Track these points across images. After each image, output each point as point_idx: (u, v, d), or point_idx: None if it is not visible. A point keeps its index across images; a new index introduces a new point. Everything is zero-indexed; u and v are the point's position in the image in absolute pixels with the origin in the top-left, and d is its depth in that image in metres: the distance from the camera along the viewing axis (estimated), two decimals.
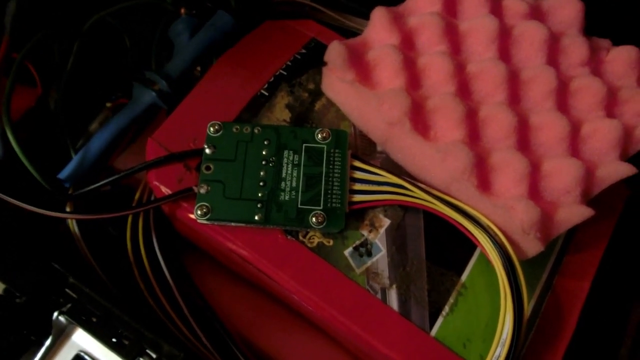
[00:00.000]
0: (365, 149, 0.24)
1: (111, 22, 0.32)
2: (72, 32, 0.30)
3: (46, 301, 0.26)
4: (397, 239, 0.22)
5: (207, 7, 0.31)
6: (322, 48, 0.26)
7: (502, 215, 0.20)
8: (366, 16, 0.29)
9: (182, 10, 0.29)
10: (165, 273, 0.24)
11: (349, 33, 0.28)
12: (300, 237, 0.22)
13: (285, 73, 0.26)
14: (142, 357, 0.22)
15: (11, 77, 0.26)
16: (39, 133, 0.29)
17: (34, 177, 0.26)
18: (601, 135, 0.21)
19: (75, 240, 0.25)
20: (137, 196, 0.26)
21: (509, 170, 0.21)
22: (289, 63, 0.26)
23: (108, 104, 0.31)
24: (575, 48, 0.24)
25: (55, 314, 0.25)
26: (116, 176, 0.24)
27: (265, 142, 0.23)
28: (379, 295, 0.21)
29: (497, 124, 0.21)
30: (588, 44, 0.24)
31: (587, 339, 0.22)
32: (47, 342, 0.25)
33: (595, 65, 0.24)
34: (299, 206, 0.22)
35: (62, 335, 0.25)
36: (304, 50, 0.26)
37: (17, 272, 0.25)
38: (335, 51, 0.22)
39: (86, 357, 0.25)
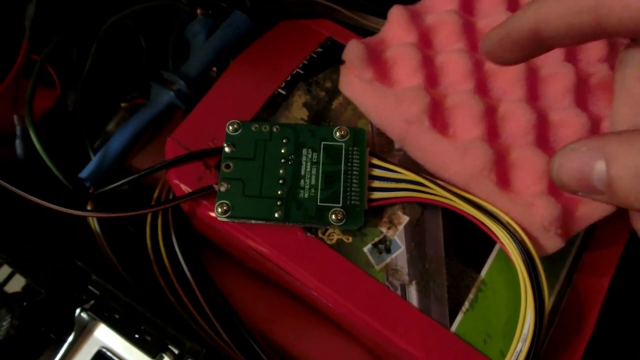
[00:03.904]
0: (383, 146, 0.24)
1: (127, 24, 0.32)
2: (90, 34, 0.30)
3: (68, 298, 0.26)
4: (416, 236, 0.22)
5: (222, 8, 0.31)
6: (338, 47, 0.26)
7: (522, 212, 0.20)
8: (381, 15, 0.30)
9: (199, 11, 0.29)
10: (185, 270, 0.25)
11: (364, 32, 0.28)
12: (320, 234, 0.22)
13: (302, 72, 0.26)
14: (164, 353, 0.23)
15: (33, 79, 0.26)
16: (58, 133, 0.30)
17: (53, 176, 0.26)
18: None
19: (96, 239, 0.26)
20: (155, 195, 0.27)
21: (528, 167, 0.21)
22: (305, 62, 0.26)
23: (123, 104, 0.31)
24: (594, 44, 0.24)
25: (78, 310, 0.25)
26: (136, 175, 0.24)
27: (284, 141, 0.23)
28: (398, 292, 0.21)
29: (516, 121, 0.22)
30: (607, 39, 0.24)
31: (607, 336, 0.22)
32: (70, 339, 0.25)
33: (614, 62, 0.24)
34: (319, 203, 0.22)
35: (84, 332, 0.26)
36: (320, 49, 0.27)
37: (41, 269, 0.25)
38: (353, 50, 0.23)
39: (108, 353, 0.25)
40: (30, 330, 0.32)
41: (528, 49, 0.15)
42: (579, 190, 0.12)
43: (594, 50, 0.24)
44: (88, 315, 0.25)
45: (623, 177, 0.11)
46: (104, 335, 0.26)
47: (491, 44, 0.16)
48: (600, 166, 0.11)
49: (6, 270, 0.36)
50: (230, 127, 0.23)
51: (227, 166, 0.23)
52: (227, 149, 0.23)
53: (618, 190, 0.11)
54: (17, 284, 0.36)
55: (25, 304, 0.33)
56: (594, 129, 0.22)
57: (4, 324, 0.32)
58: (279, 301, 0.27)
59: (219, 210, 0.22)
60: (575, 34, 0.13)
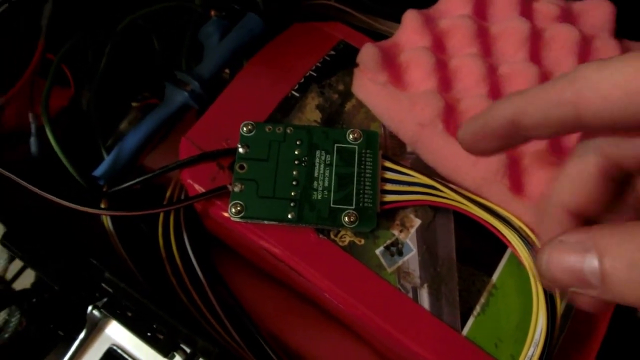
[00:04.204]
0: (395, 149, 0.24)
1: (141, 25, 0.32)
2: (105, 34, 0.30)
3: (80, 295, 0.27)
4: (427, 239, 0.22)
5: (235, 10, 0.32)
6: (351, 50, 0.27)
7: (534, 217, 0.20)
8: (394, 18, 0.30)
9: (213, 13, 0.30)
10: (197, 269, 0.25)
11: (377, 35, 0.28)
12: (332, 236, 0.22)
13: (315, 74, 0.26)
14: (176, 351, 0.23)
15: (50, 78, 0.27)
16: (72, 132, 0.30)
17: (66, 174, 0.26)
18: None
19: (109, 237, 0.26)
20: (168, 194, 0.27)
21: (541, 172, 0.21)
22: (318, 64, 0.26)
23: (134, 104, 0.31)
24: (607, 51, 0.24)
25: (90, 308, 0.25)
26: (151, 174, 0.24)
27: (298, 142, 0.23)
28: (410, 295, 0.21)
29: None
30: (619, 46, 0.24)
31: (618, 341, 0.22)
32: (81, 336, 0.26)
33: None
34: (332, 205, 0.22)
35: (95, 329, 0.26)
36: (333, 52, 0.27)
37: (55, 265, 0.25)
38: (368, 53, 0.23)
39: (119, 350, 0.25)
40: (39, 328, 0.32)
41: (504, 140, 0.15)
42: (571, 286, 0.11)
43: (606, 57, 0.24)
44: (100, 312, 0.25)
45: (618, 269, 0.10)
46: (115, 333, 0.26)
47: (469, 134, 0.16)
48: (592, 259, 0.11)
49: (16, 265, 0.37)
50: (245, 128, 0.23)
51: (241, 167, 0.23)
52: (241, 150, 0.23)
53: (612, 284, 0.10)
54: (26, 279, 0.36)
55: (34, 300, 0.34)
56: None
57: (13, 320, 0.32)
58: (289, 302, 0.27)
59: (233, 210, 0.22)
60: (553, 125, 0.13)
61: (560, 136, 0.14)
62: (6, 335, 0.31)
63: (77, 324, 0.26)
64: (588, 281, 0.11)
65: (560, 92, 0.13)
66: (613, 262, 0.10)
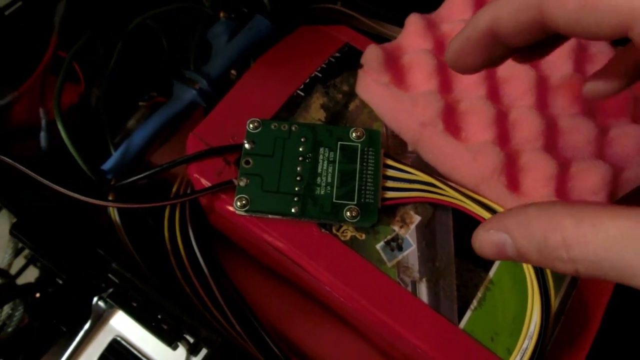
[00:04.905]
0: (397, 149, 0.25)
1: (151, 25, 0.33)
2: (116, 33, 0.31)
3: (87, 285, 0.27)
4: (427, 235, 0.23)
5: (242, 12, 0.33)
6: (356, 52, 0.27)
7: None
8: (397, 23, 0.31)
9: (222, 14, 0.31)
10: (201, 262, 0.25)
11: (381, 39, 0.29)
12: (334, 231, 0.23)
13: (320, 75, 0.27)
14: (180, 341, 0.23)
15: (61, 75, 0.27)
16: (81, 127, 0.31)
17: (74, 168, 0.27)
18: (628, 139, 0.22)
19: (116, 230, 0.26)
20: (174, 189, 0.28)
21: (537, 170, 0.21)
22: (323, 66, 0.27)
23: (141, 103, 0.32)
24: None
25: (95, 299, 0.26)
26: (159, 168, 0.25)
27: (302, 139, 0.24)
28: (409, 288, 0.22)
29: (526, 126, 0.22)
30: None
31: (612, 336, 0.22)
32: (86, 326, 0.26)
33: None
34: (334, 200, 0.23)
35: (99, 321, 0.27)
36: (338, 54, 0.28)
37: (63, 256, 0.26)
38: (372, 54, 0.24)
39: (123, 342, 0.26)
40: (42, 323, 0.33)
41: (487, 52, 0.16)
42: (497, 257, 0.15)
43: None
44: (105, 303, 0.25)
45: (520, 243, 0.14)
46: (120, 325, 0.26)
47: (453, 51, 0.17)
48: (506, 237, 0.14)
49: (21, 261, 0.37)
50: (251, 125, 0.24)
51: (247, 162, 0.23)
52: (247, 146, 0.24)
53: (522, 253, 0.14)
54: (30, 275, 0.37)
55: (37, 295, 0.34)
56: (602, 136, 0.23)
57: (17, 314, 0.33)
58: (290, 298, 0.27)
59: (238, 204, 0.23)
60: (524, 30, 0.15)
61: (535, 44, 0.15)
62: (9, 330, 0.32)
63: (81, 316, 0.27)
64: (506, 253, 0.15)
65: None
66: (517, 238, 0.14)
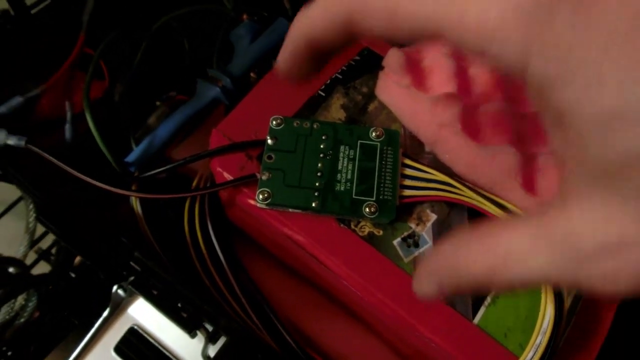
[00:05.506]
0: (415, 149, 0.26)
1: (175, 26, 0.34)
2: (141, 32, 0.32)
3: (106, 274, 0.28)
4: (442, 233, 0.24)
5: (263, 15, 0.34)
6: (375, 56, 0.28)
7: None
8: None
9: (244, 16, 0.32)
10: (219, 254, 0.26)
11: (399, 45, 0.30)
12: (352, 226, 0.24)
13: (340, 77, 0.28)
14: (199, 330, 0.24)
15: (90, 71, 0.28)
16: (104, 122, 0.32)
17: (97, 160, 0.28)
18: None
19: (137, 220, 0.27)
20: (194, 183, 0.28)
21: (554, 172, 0.22)
22: (344, 68, 0.28)
23: (158, 103, 0.33)
24: None
25: (115, 287, 0.27)
26: (182, 161, 0.26)
27: (323, 137, 0.25)
28: None
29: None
30: None
31: (622, 337, 0.23)
32: (105, 314, 0.27)
33: None
34: (354, 196, 0.23)
35: (118, 309, 0.27)
36: (358, 58, 0.28)
37: (90, 242, 0.26)
38: (394, 57, 0.24)
39: (140, 331, 0.27)
40: (54, 315, 0.33)
41: (312, 60, 0.16)
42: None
43: None
44: (125, 291, 0.26)
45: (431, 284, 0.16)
46: (138, 313, 0.27)
47: (282, 64, 0.16)
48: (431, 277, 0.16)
49: (32, 255, 0.38)
50: (274, 122, 0.25)
51: (270, 157, 0.24)
52: (269, 141, 0.24)
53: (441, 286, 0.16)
54: (44, 269, 0.37)
55: (51, 287, 0.35)
56: None
57: (30, 304, 0.33)
58: (305, 293, 0.28)
59: (260, 197, 0.23)
60: (338, 33, 0.14)
61: (346, 46, 0.15)
62: (22, 320, 0.32)
63: (95, 309, 0.27)
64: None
65: (337, 3, 0.14)
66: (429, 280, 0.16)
